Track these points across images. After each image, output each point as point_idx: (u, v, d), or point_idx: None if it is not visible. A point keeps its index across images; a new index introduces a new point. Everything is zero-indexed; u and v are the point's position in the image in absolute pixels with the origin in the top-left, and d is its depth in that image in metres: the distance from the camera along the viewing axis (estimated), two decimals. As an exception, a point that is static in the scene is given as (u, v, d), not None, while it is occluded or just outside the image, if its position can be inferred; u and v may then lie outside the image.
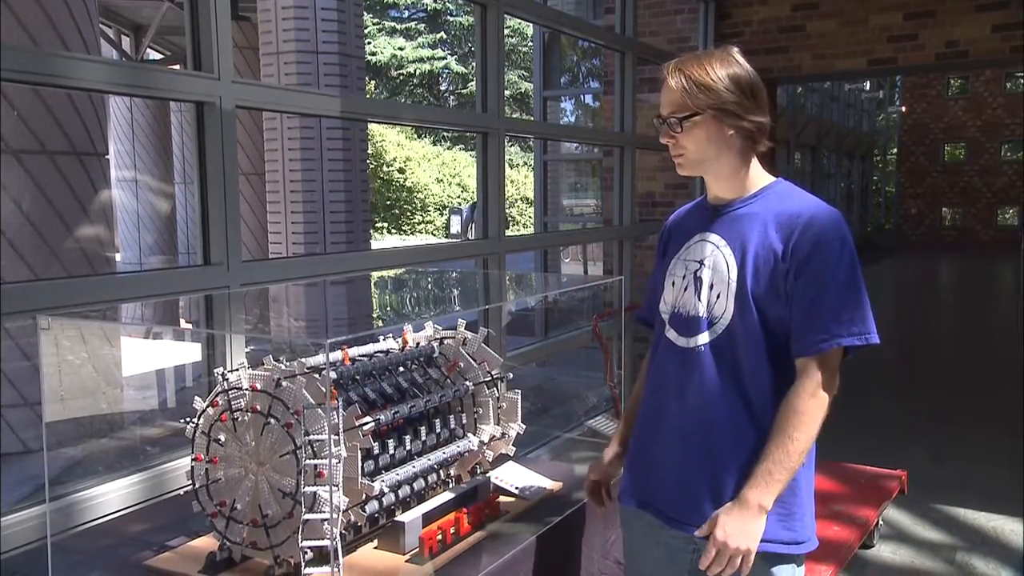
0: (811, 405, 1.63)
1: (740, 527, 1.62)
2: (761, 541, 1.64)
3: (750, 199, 1.76)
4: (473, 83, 27.82)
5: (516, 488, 2.41)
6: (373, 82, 31.97)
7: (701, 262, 1.76)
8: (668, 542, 1.82)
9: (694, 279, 1.77)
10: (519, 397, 2.42)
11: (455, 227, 25.96)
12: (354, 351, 2.16)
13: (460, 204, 28.80)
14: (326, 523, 1.73)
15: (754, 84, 1.71)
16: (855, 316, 1.63)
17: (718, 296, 1.72)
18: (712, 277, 1.73)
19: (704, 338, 1.73)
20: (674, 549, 1.82)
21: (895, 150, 30.06)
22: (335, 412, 1.76)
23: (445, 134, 32.61)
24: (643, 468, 1.86)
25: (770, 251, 1.67)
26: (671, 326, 1.80)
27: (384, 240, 27.26)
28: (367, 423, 1.91)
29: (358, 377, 2.07)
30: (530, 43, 21.45)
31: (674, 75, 1.69)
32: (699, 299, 1.74)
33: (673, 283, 1.82)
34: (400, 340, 2.30)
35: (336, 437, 1.76)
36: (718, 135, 1.69)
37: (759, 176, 1.77)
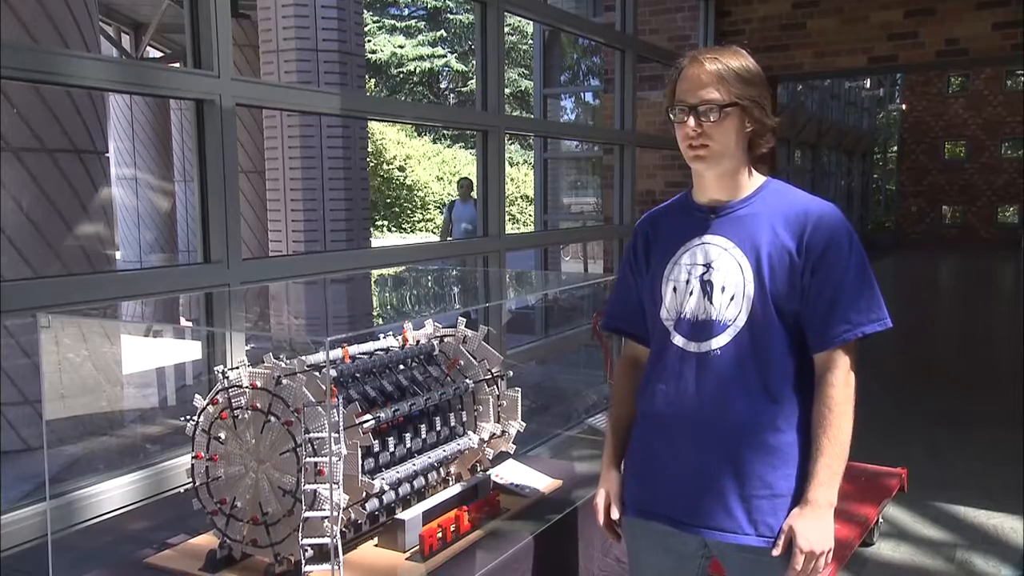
0: (847, 393, 1.67)
1: (819, 530, 1.65)
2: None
3: (748, 199, 1.76)
4: (473, 81, 27.78)
5: (516, 486, 2.41)
6: (373, 80, 31.93)
7: (708, 266, 1.75)
8: (678, 549, 1.81)
9: (701, 283, 1.75)
10: (519, 395, 2.42)
11: (454, 225, 25.88)
12: (354, 349, 2.16)
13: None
14: (326, 521, 1.73)
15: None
16: (872, 304, 1.68)
17: (732, 298, 1.71)
18: (724, 280, 1.72)
19: (721, 340, 1.72)
20: (683, 556, 1.82)
21: (895, 148, 30.02)
22: (335, 410, 1.76)
23: (445, 132, 32.57)
24: (650, 477, 1.83)
25: (783, 250, 1.69)
26: (678, 332, 1.77)
27: (384, 238, 27.25)
28: (367, 421, 1.91)
29: (358, 375, 2.07)
30: (530, 41, 21.43)
31: (712, 62, 1.68)
32: (711, 303, 1.73)
33: (674, 288, 1.79)
34: (400, 338, 2.30)
35: (336, 435, 1.76)
36: (741, 129, 1.71)
37: (755, 177, 1.79)
